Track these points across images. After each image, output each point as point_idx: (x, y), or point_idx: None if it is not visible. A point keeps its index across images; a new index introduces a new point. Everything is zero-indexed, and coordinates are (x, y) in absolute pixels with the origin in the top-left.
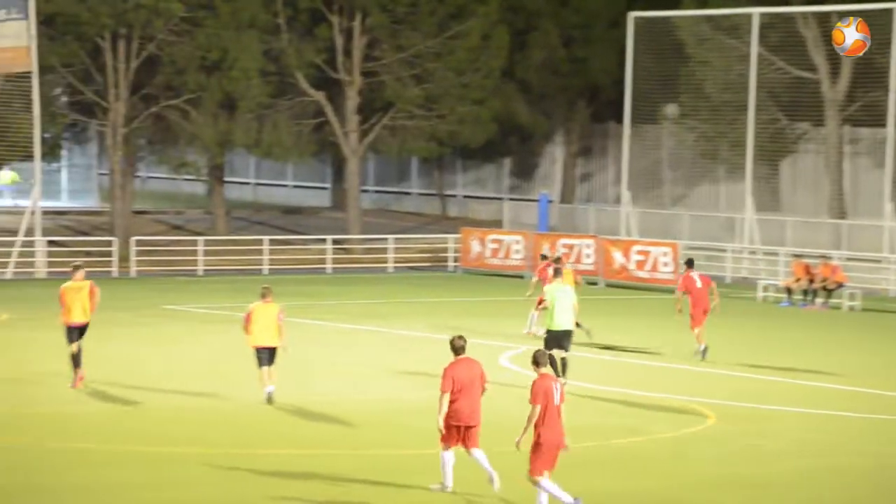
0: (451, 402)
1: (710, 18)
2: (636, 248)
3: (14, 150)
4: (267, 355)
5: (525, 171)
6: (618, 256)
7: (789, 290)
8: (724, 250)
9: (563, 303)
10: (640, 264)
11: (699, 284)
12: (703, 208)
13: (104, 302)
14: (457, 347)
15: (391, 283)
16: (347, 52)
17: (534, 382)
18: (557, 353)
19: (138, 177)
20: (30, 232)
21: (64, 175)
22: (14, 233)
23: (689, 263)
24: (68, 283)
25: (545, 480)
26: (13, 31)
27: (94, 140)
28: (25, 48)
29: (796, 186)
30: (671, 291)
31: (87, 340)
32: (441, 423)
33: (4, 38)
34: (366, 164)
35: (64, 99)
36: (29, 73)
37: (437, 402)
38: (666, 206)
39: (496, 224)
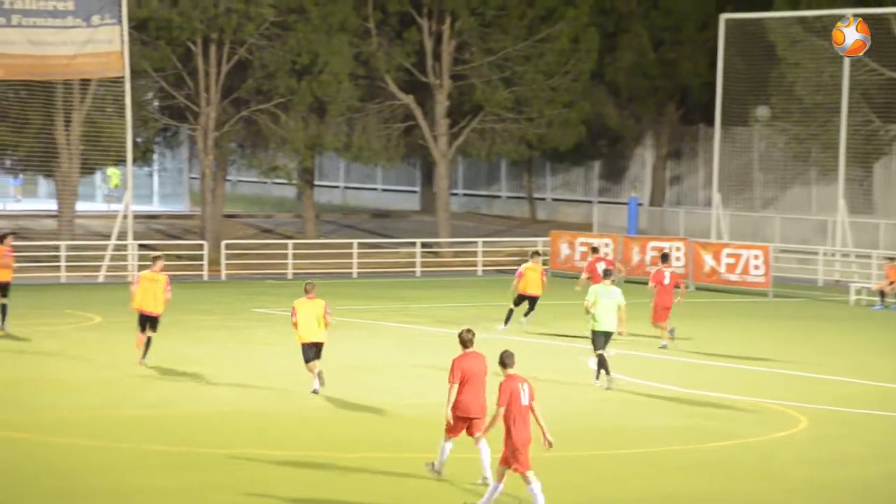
0: (458, 393)
1: (801, 20)
2: (727, 250)
3: (107, 154)
4: (314, 351)
5: (614, 173)
6: (708, 259)
7: (882, 294)
8: (815, 253)
9: (605, 303)
10: (731, 267)
11: (667, 281)
12: (795, 211)
13: (195, 305)
14: (465, 341)
15: (480, 286)
16: (437, 56)
17: (500, 384)
18: (599, 352)
19: (229, 180)
20: (122, 236)
21: (155, 179)
22: (107, 237)
23: (664, 258)
24: (146, 272)
25: (535, 482)
26: (107, 35)
27: (185, 144)
28: (118, 53)
29: (889, 188)
30: (763, 294)
31: (179, 343)
32: (449, 414)
33: (98, 42)
34: (455, 167)
35: (156, 103)
36: (122, 77)
37: (447, 394)
38: (757, 208)
39: (586, 227)
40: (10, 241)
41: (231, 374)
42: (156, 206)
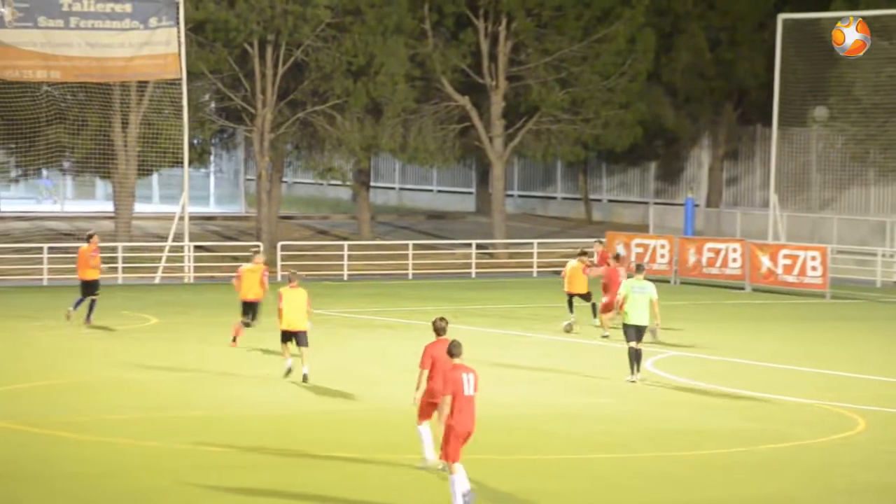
0: (429, 379)
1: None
2: (784, 252)
3: (164, 156)
4: (296, 337)
5: (671, 174)
6: (765, 261)
7: None
8: (873, 254)
9: (636, 297)
10: (788, 269)
11: (622, 279)
12: (853, 212)
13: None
14: (438, 328)
15: (536, 287)
16: (493, 57)
17: (445, 372)
18: (634, 346)
19: (285, 182)
20: (178, 237)
21: (212, 181)
22: (163, 238)
23: (617, 258)
24: (247, 265)
25: (458, 474)
26: (164, 38)
27: (241, 146)
28: (175, 55)
29: None
30: (820, 296)
31: (239, 345)
32: (418, 399)
33: (155, 45)
34: (510, 168)
35: (212, 105)
36: (178, 79)
37: (416, 379)
38: (814, 209)
39: (642, 228)
40: (95, 240)
41: (288, 376)
42: (212, 208)
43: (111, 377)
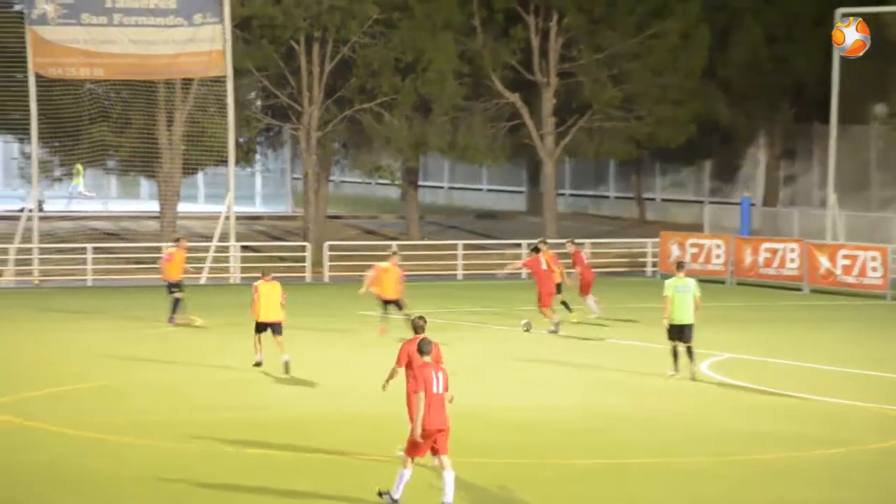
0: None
1: None
2: (843, 252)
3: (209, 154)
4: (274, 328)
5: (726, 173)
6: (823, 261)
7: None
8: None
9: (680, 296)
10: (847, 269)
11: (544, 267)
12: None
13: (298, 307)
14: (416, 327)
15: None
16: (543, 53)
17: (415, 370)
18: (681, 345)
19: (332, 181)
20: (224, 237)
21: (258, 180)
22: (209, 238)
23: (535, 250)
24: (383, 264)
25: (408, 469)
26: (209, 34)
27: (287, 144)
28: (220, 52)
29: None
30: (880, 297)
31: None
32: (385, 387)
33: (200, 41)
34: (562, 166)
35: (258, 103)
36: (224, 77)
37: (388, 372)
38: (874, 208)
39: (696, 228)
40: (184, 242)
41: (337, 378)
42: (258, 208)
43: (154, 379)
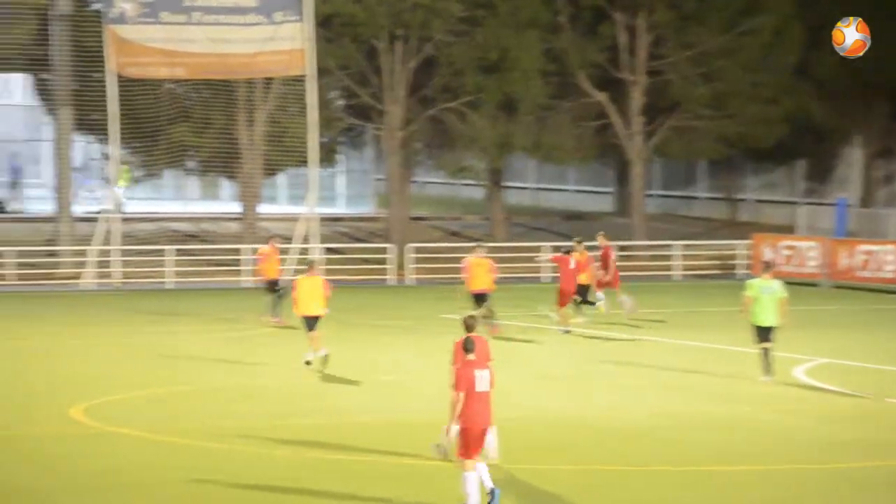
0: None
1: None
2: None
3: (290, 155)
4: (313, 322)
5: (820, 173)
6: None
7: None
8: None
9: (765, 298)
10: None
11: (572, 266)
12: None
13: (381, 310)
14: (468, 326)
15: (678, 291)
16: (631, 51)
17: (457, 370)
18: (764, 346)
19: (415, 182)
20: (307, 239)
21: (340, 180)
22: (290, 239)
23: (568, 252)
24: (473, 257)
25: (471, 471)
26: (289, 33)
27: (370, 144)
28: (301, 50)
29: None
30: None
31: (365, 349)
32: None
33: (281, 40)
34: (650, 166)
35: (340, 102)
36: (305, 76)
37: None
38: None
39: (789, 229)
40: (274, 242)
41: (420, 382)
42: (340, 209)
43: (236, 382)
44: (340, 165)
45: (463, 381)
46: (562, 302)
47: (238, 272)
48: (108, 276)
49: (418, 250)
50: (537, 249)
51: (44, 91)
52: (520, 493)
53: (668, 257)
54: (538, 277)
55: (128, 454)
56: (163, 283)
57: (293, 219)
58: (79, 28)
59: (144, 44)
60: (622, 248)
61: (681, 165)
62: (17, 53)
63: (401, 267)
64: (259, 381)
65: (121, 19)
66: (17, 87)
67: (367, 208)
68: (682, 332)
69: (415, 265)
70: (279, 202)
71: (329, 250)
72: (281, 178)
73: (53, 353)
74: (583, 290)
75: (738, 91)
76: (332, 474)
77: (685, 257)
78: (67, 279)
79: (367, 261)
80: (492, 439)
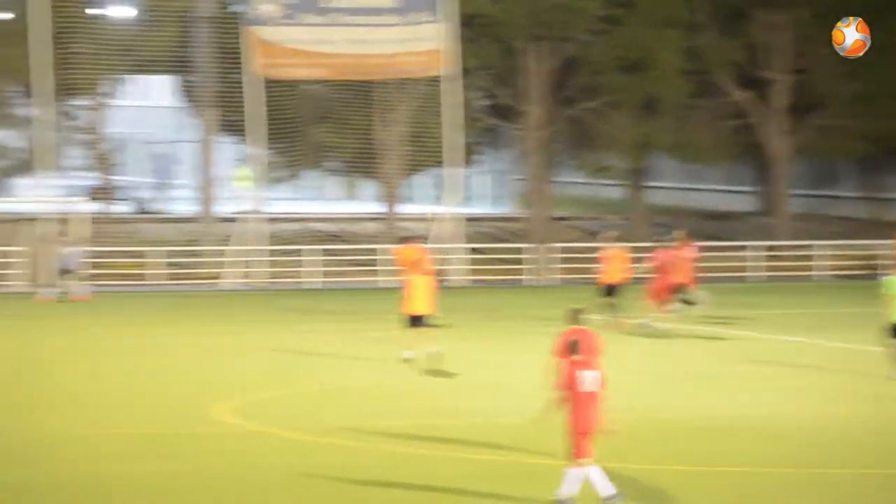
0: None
1: None
2: None
3: (429, 155)
4: (420, 321)
5: None
6: None
7: None
8: None
9: None
10: None
11: (687, 255)
12: None
13: (522, 310)
14: (571, 318)
15: (822, 292)
16: (773, 49)
17: (561, 368)
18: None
19: (555, 182)
20: (448, 239)
21: (480, 181)
22: (435, 240)
23: (666, 245)
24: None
25: (584, 468)
26: (427, 33)
27: (510, 144)
28: (439, 51)
29: None
30: None
31: (504, 350)
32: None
33: (419, 41)
34: (794, 165)
35: (480, 103)
36: (443, 76)
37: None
38: None
39: None
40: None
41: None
42: (480, 209)
43: (380, 381)
44: (480, 166)
45: (564, 381)
46: (655, 297)
47: (375, 272)
48: (251, 276)
49: (558, 250)
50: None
51: (188, 93)
52: (652, 496)
53: (810, 257)
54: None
55: (282, 454)
56: (303, 282)
57: (433, 219)
58: (220, 30)
59: (284, 45)
60: (764, 249)
61: (824, 164)
62: (161, 56)
63: (541, 267)
64: (400, 380)
65: (261, 21)
66: (161, 89)
67: (507, 208)
68: (830, 333)
69: (555, 265)
70: (419, 202)
71: (469, 250)
72: (422, 178)
73: (198, 351)
74: (678, 289)
75: (885, 89)
76: (478, 474)
77: (831, 258)
78: (210, 279)
79: (506, 261)
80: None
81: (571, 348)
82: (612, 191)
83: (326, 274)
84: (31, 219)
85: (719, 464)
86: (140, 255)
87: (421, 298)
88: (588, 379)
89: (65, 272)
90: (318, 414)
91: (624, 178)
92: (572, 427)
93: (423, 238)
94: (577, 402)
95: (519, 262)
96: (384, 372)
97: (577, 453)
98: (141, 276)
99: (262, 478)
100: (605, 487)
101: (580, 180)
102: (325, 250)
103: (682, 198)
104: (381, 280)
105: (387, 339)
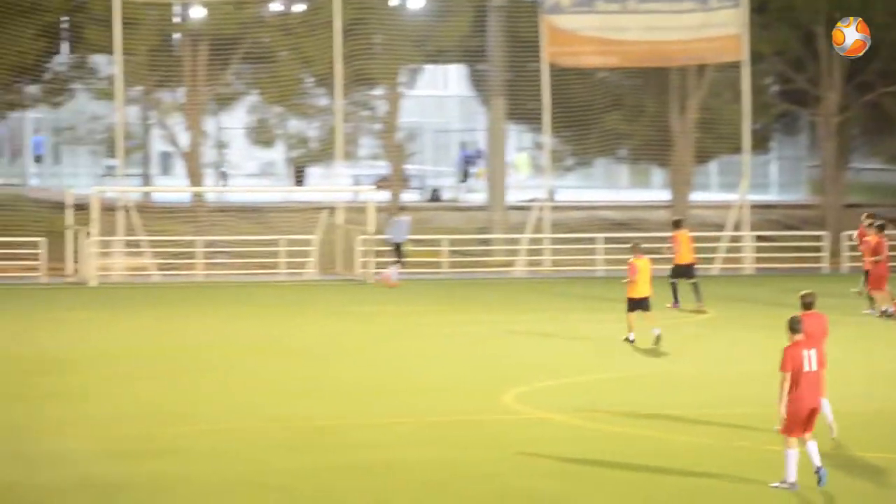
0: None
1: None
2: None
3: (722, 141)
4: (643, 304)
5: None
6: None
7: None
8: None
9: None
10: None
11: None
12: None
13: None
14: (807, 303)
15: None
16: None
17: (784, 350)
18: None
19: (851, 168)
20: (737, 226)
21: (773, 167)
22: (721, 227)
23: (881, 227)
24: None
25: (793, 448)
26: (723, 19)
27: (804, 131)
28: (735, 37)
29: None
30: None
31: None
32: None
33: (715, 27)
34: None
35: (774, 88)
36: (739, 62)
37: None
38: None
39: None
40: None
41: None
42: (773, 196)
43: (664, 370)
44: (773, 152)
45: (789, 362)
46: (875, 286)
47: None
48: (538, 263)
49: (854, 239)
50: None
51: (479, 81)
52: (853, 478)
53: None
54: None
55: (568, 442)
56: (593, 270)
57: (724, 206)
58: (514, 19)
59: (578, 33)
60: None
61: None
62: (454, 45)
63: (835, 255)
64: (686, 370)
65: (556, 9)
66: (453, 78)
67: (799, 195)
68: None
69: (850, 254)
70: (711, 189)
71: (759, 238)
72: (712, 166)
73: (488, 339)
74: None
75: None
76: (758, 464)
77: None
78: (500, 267)
79: (799, 248)
80: (827, 412)
81: (791, 327)
82: None
83: (616, 262)
84: (325, 207)
85: None
86: (435, 243)
87: (643, 283)
88: (811, 358)
89: (396, 247)
90: (607, 402)
91: None
92: (793, 406)
93: (697, 226)
94: (798, 382)
95: (810, 249)
96: (670, 361)
97: (789, 430)
98: (436, 265)
99: (547, 466)
100: (792, 473)
101: (878, 166)
102: (614, 238)
103: None
104: (663, 269)
105: (673, 326)
